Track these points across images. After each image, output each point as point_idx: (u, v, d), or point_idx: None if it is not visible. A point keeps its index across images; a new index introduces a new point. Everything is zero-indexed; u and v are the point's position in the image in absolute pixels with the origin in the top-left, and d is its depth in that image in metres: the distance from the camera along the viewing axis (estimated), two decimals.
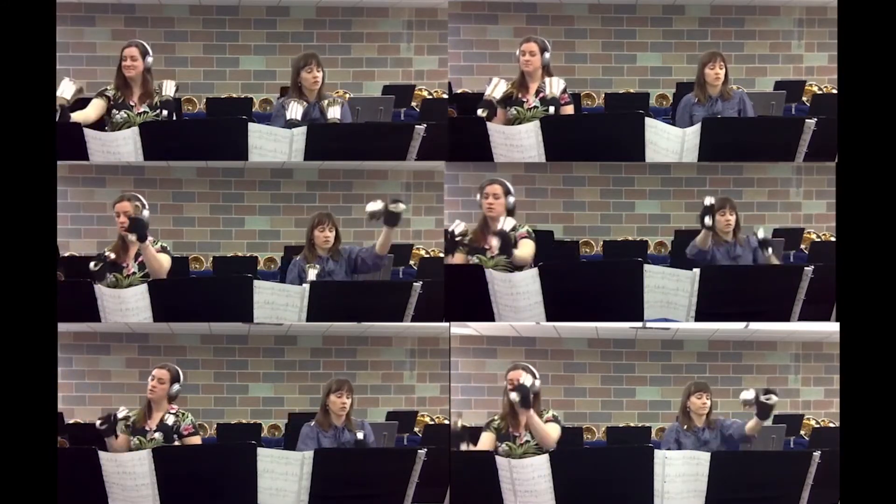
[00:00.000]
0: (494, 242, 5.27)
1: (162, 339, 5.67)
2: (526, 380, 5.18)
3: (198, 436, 5.30)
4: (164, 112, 5.43)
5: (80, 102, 5.41)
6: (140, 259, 5.33)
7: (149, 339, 5.66)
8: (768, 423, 5.39)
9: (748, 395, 5.28)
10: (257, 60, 5.72)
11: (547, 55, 5.48)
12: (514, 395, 5.16)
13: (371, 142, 5.42)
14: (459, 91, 5.65)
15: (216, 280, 5.57)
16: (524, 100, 5.46)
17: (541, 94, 5.46)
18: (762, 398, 5.24)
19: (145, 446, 5.21)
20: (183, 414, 5.30)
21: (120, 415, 5.25)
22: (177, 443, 5.25)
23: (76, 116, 5.35)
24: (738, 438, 5.32)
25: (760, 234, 5.45)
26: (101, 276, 5.30)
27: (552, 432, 5.22)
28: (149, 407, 5.29)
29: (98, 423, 5.24)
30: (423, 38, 5.71)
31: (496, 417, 5.27)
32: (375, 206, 5.32)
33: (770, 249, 5.44)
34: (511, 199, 5.36)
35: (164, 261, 5.34)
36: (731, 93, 5.48)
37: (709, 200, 5.35)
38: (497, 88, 5.46)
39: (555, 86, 5.46)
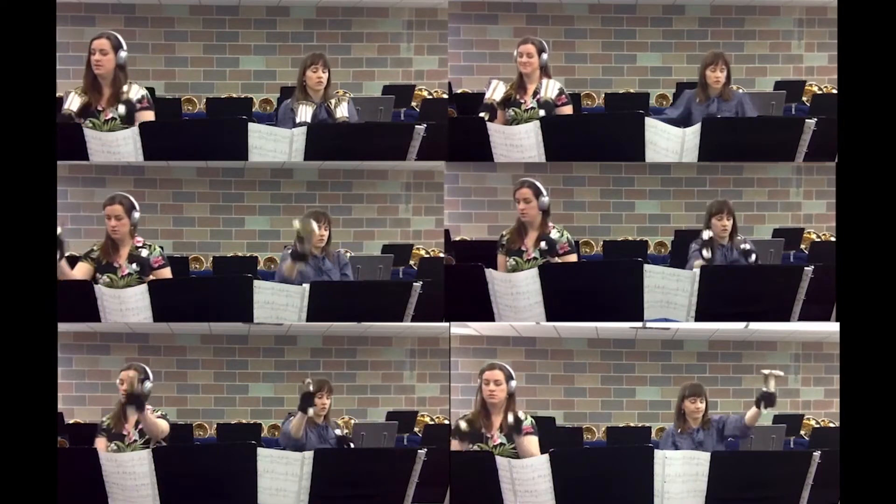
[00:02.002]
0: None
1: (162, 339, 5.67)
2: (519, 415, 5.19)
3: (166, 421, 5.29)
4: (122, 109, 5.28)
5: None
6: (134, 259, 5.31)
7: (149, 339, 5.66)
8: (768, 414, 5.41)
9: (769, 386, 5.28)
10: (257, 60, 5.72)
11: (545, 56, 5.47)
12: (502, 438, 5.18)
13: (371, 142, 5.42)
14: (459, 91, 5.65)
15: (216, 280, 5.57)
16: (522, 101, 5.46)
17: (537, 97, 5.46)
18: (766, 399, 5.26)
19: (124, 449, 5.20)
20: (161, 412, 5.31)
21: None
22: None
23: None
24: (740, 435, 5.32)
25: (747, 246, 5.45)
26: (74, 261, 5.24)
27: (532, 448, 5.19)
28: (122, 410, 5.26)
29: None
30: (423, 38, 5.71)
31: (465, 418, 5.24)
32: None
33: (754, 256, 5.44)
34: (545, 200, 5.35)
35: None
36: (731, 94, 5.48)
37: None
38: (497, 91, 5.46)
39: (550, 89, 5.45)
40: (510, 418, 5.17)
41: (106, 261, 5.30)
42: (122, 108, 5.30)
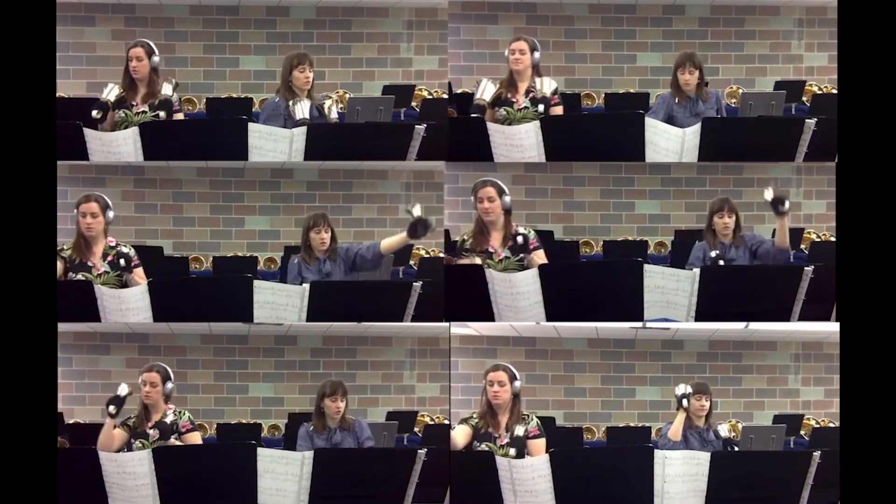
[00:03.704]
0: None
1: (162, 339, 5.67)
2: (519, 431, 5.18)
3: (196, 432, 5.30)
4: (162, 113, 5.43)
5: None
6: (109, 258, 5.32)
7: (149, 339, 5.66)
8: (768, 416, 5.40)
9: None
10: (257, 60, 5.72)
11: (537, 54, 5.47)
12: (512, 452, 5.17)
13: (371, 142, 5.42)
14: (459, 91, 5.65)
15: (216, 280, 5.57)
16: (514, 100, 5.45)
17: (531, 94, 5.45)
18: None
19: (147, 447, 5.21)
20: (181, 412, 5.30)
21: (122, 392, 5.22)
22: (175, 441, 5.24)
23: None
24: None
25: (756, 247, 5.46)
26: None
27: (539, 452, 5.19)
28: (146, 410, 5.28)
29: (112, 408, 5.20)
30: (423, 38, 5.71)
31: (474, 415, 5.26)
32: (417, 211, 5.32)
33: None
34: (507, 199, 5.35)
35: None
36: (707, 94, 5.49)
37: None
38: (486, 91, 5.45)
39: (546, 86, 5.45)
40: (516, 429, 5.18)
41: (79, 259, 5.31)
42: (162, 114, 5.44)
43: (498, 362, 5.30)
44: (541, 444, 5.19)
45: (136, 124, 5.38)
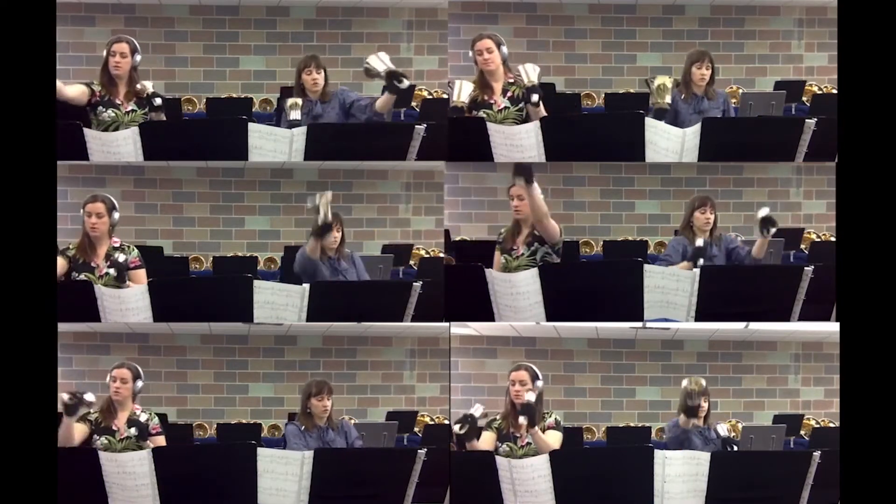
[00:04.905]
0: (521, 420, 5.19)
1: (162, 339, 5.67)
2: (531, 397, 5.15)
3: (162, 436, 5.29)
4: (158, 100, 5.41)
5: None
6: (111, 260, 5.32)
7: (149, 339, 5.66)
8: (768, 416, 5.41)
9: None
10: (257, 60, 5.73)
11: (504, 49, 5.44)
12: (521, 419, 5.14)
13: (371, 142, 5.42)
14: None
15: (216, 280, 5.57)
16: (491, 101, 5.43)
17: (508, 93, 5.43)
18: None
19: (115, 446, 5.20)
20: (151, 413, 5.29)
21: (88, 398, 5.19)
22: (147, 442, 5.23)
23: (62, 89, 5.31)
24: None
25: (733, 245, 5.46)
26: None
27: (553, 442, 5.18)
28: (112, 407, 5.27)
29: (66, 397, 5.16)
30: (423, 38, 5.72)
31: (497, 417, 5.26)
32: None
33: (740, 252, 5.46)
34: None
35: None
36: (714, 94, 5.48)
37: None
38: (463, 91, 5.42)
39: (531, 73, 5.39)
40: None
41: (83, 259, 5.31)
42: (156, 101, 5.43)
43: (521, 362, 5.30)
44: (557, 436, 5.17)
45: (133, 124, 5.37)
